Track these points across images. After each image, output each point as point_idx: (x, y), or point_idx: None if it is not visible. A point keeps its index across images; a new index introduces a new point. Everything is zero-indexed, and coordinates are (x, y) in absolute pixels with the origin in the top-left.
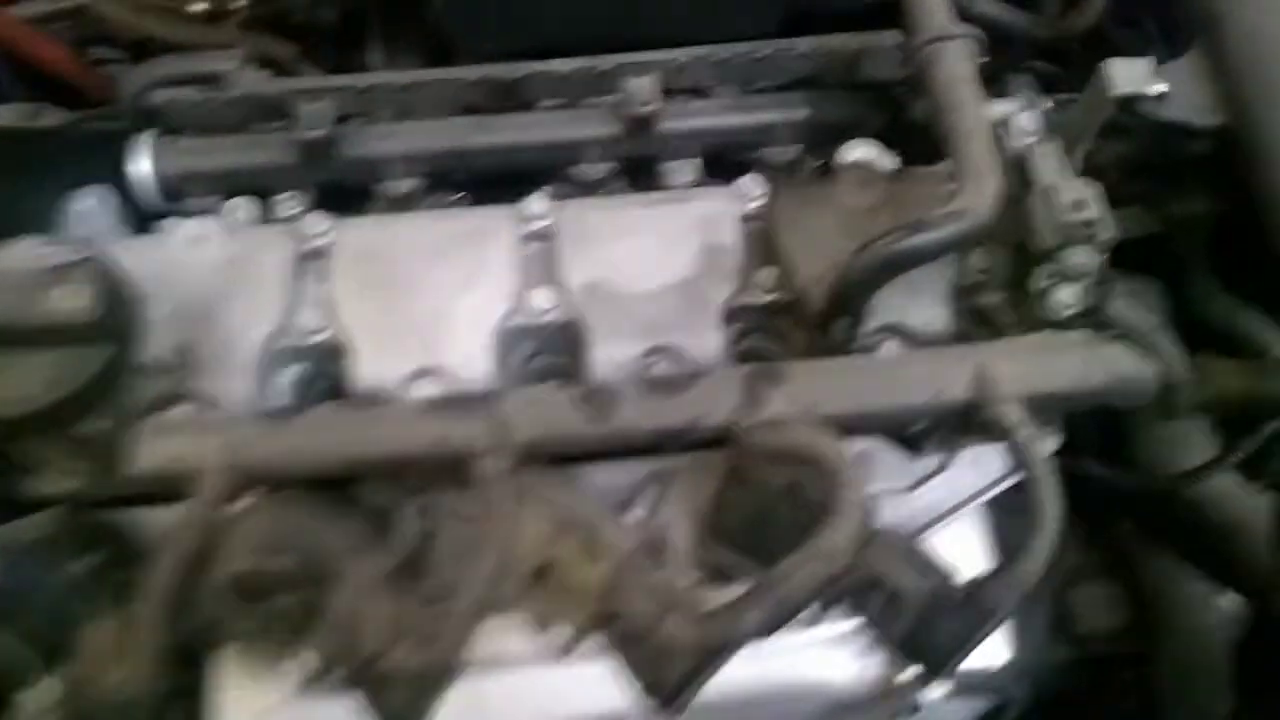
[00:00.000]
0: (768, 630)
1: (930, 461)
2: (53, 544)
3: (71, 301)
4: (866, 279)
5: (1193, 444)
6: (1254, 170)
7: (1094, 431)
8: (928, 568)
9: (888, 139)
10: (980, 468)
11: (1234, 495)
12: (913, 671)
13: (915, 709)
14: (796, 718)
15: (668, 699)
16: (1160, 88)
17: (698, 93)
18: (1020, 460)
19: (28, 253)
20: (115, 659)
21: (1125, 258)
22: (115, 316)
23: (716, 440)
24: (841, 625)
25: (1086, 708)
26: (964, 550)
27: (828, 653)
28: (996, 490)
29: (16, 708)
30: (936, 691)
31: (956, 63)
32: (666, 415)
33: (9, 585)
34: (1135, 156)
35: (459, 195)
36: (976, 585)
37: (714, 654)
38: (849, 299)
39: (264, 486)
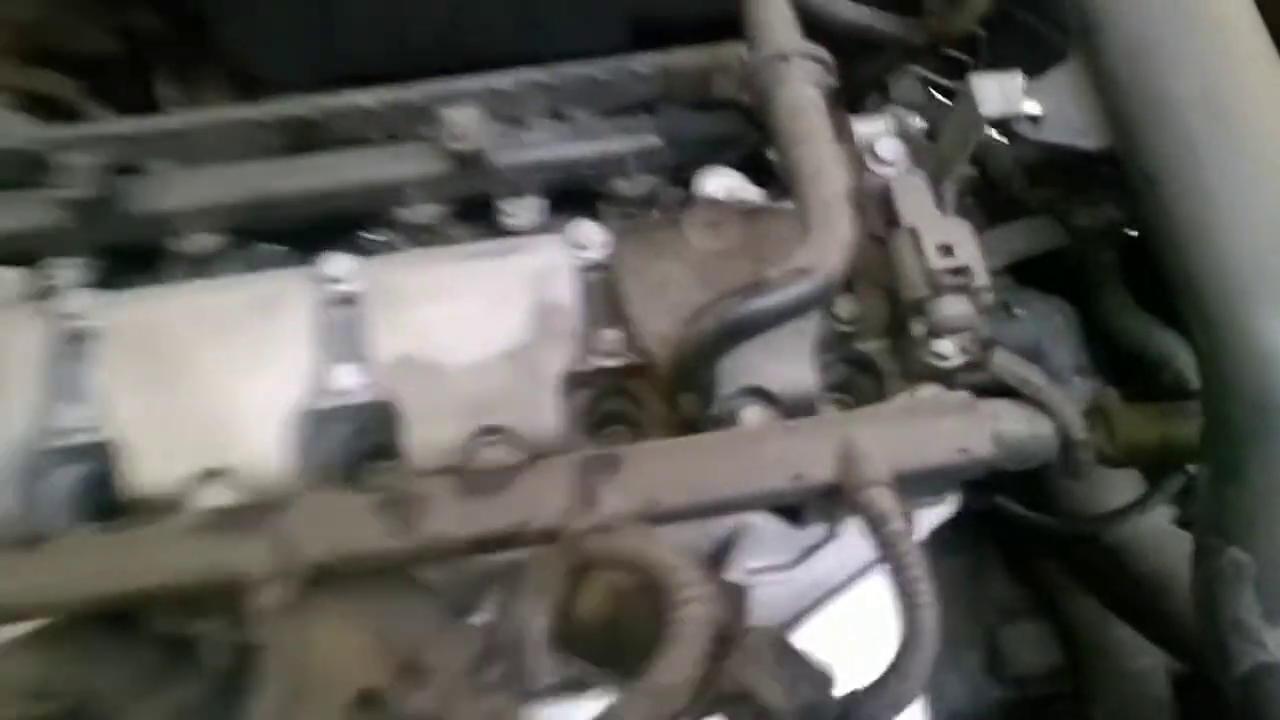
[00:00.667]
0: None
1: (816, 531)
2: None
3: None
4: (705, 350)
5: (1118, 482)
6: (1141, 197)
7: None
8: (800, 677)
9: (754, 162)
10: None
11: (1162, 540)
12: None
13: None
14: None
15: None
16: (1033, 108)
17: (556, 117)
18: (891, 559)
19: None
20: None
21: (1034, 272)
22: None
23: (546, 542)
24: None
25: None
26: (870, 616)
27: None
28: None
29: None
30: None
31: (801, 86)
32: (485, 520)
33: None
34: (1037, 161)
35: (274, 249)
36: (853, 701)
37: None
38: (691, 372)
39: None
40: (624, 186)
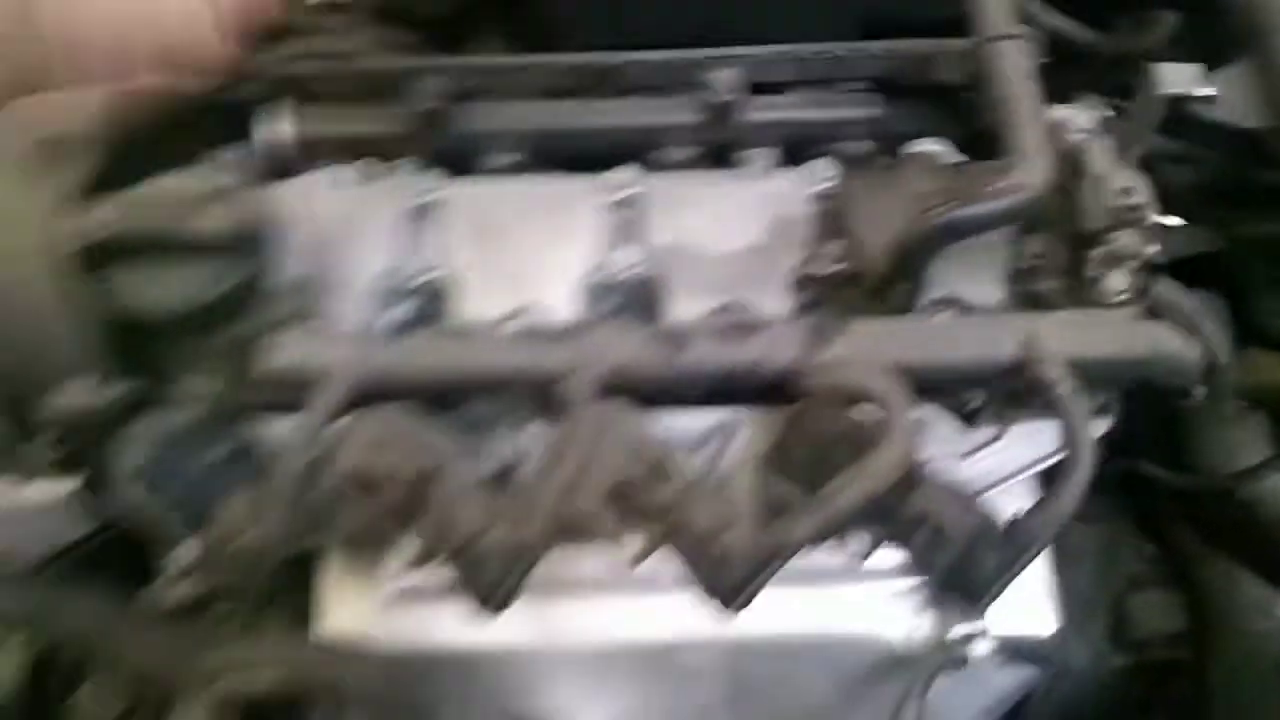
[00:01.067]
0: (817, 540)
1: (984, 434)
2: (195, 434)
3: (219, 222)
4: (925, 244)
5: (1251, 446)
6: None
7: (1151, 435)
8: (970, 506)
9: (955, 143)
10: (1032, 443)
11: None
12: (961, 630)
13: (961, 663)
14: (845, 665)
15: (727, 600)
16: (1209, 90)
17: (777, 89)
18: (1058, 409)
19: (184, 179)
20: (248, 525)
21: (1188, 274)
22: (255, 240)
23: (780, 384)
24: (893, 584)
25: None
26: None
27: (878, 606)
28: (1045, 465)
29: (165, 565)
30: (982, 648)
31: (1016, 60)
32: (734, 355)
33: (158, 466)
34: (1209, 184)
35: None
36: (1015, 521)
37: (769, 560)
38: (909, 263)
39: (377, 398)
40: (845, 148)
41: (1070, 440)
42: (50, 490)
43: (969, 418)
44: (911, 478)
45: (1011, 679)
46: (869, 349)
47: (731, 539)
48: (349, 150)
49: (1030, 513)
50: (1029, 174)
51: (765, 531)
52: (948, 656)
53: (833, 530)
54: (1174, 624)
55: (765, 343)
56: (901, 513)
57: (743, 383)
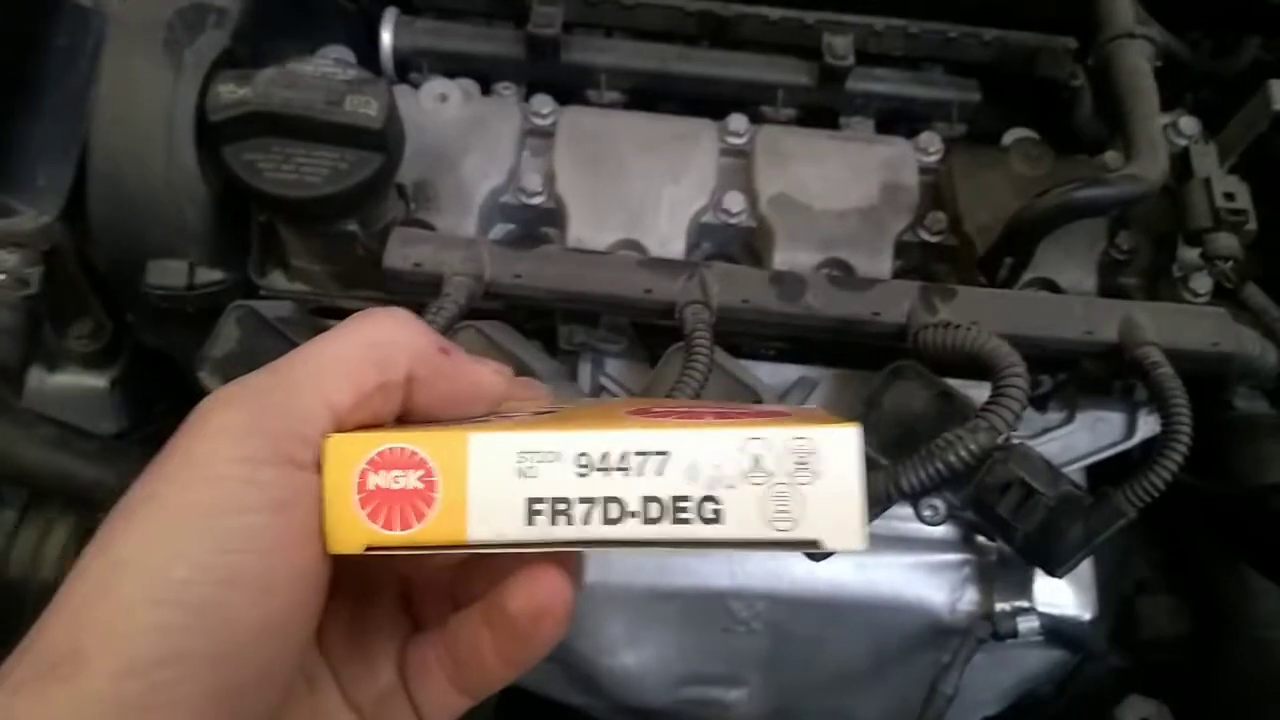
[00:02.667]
0: (922, 491)
1: (1053, 418)
2: (290, 322)
3: (361, 110)
4: (1042, 221)
5: None
6: None
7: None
8: (1060, 476)
9: (1044, 136)
10: (1096, 432)
11: None
12: (1006, 605)
13: (1007, 635)
14: (887, 630)
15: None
16: None
17: (884, 61)
18: (1159, 388)
19: (326, 63)
20: None
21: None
22: (393, 132)
23: (895, 339)
24: (942, 555)
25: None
26: None
27: (929, 576)
28: (1108, 454)
29: None
30: (1026, 624)
31: (1138, 58)
32: (850, 307)
33: (249, 347)
34: None
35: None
36: (1104, 493)
37: (872, 505)
38: (1021, 238)
39: (487, 311)
40: (942, 128)
41: (1169, 420)
42: (82, 382)
43: (1039, 401)
44: (1010, 443)
45: (1041, 660)
46: (979, 316)
47: None
48: (450, 68)
49: (1120, 488)
50: (1150, 165)
51: (870, 477)
52: (993, 629)
53: (934, 485)
54: (1178, 628)
55: (880, 297)
56: (996, 475)
57: (857, 334)
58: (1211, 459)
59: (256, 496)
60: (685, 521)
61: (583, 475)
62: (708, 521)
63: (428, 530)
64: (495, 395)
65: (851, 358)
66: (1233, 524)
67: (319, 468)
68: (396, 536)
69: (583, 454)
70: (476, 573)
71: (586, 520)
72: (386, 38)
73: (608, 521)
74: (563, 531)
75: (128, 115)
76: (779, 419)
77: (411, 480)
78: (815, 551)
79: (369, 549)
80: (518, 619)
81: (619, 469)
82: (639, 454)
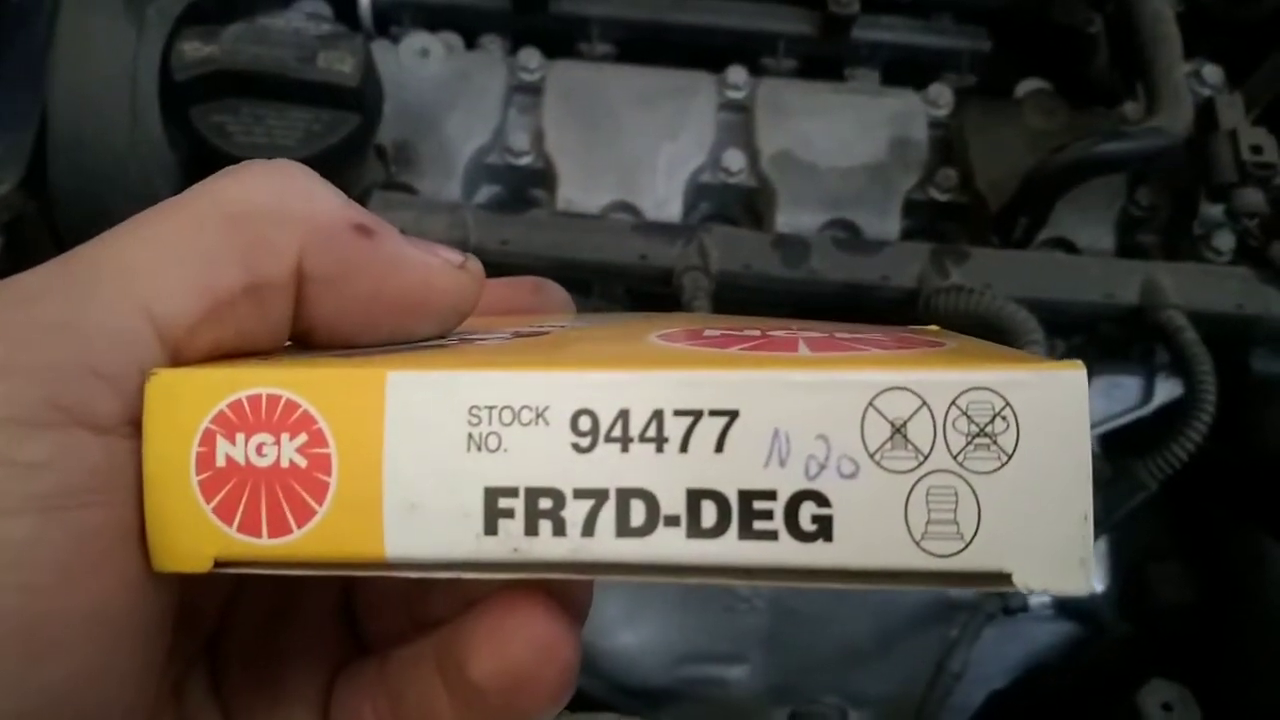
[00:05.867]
0: None
1: None
2: None
3: (337, 67)
4: (1060, 177)
5: None
6: None
7: None
8: None
9: (1061, 88)
10: (1111, 398)
11: None
12: None
13: (1017, 611)
14: (899, 604)
15: None
16: None
17: (891, 8)
18: (1183, 354)
19: (299, 18)
20: None
21: None
22: (370, 90)
23: (904, 304)
24: None
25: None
26: None
27: None
28: (1124, 420)
29: None
30: (1037, 598)
31: (1160, 3)
32: (857, 270)
33: None
34: None
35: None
36: (1126, 464)
37: None
38: (1037, 196)
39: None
40: (951, 79)
41: (1194, 388)
42: None
43: None
44: None
45: (1051, 634)
46: (994, 279)
47: None
48: (432, 20)
49: (1144, 457)
50: (1175, 117)
51: None
52: (1003, 603)
53: None
54: (1188, 596)
55: (889, 261)
56: None
57: (864, 299)
58: (1227, 422)
59: (13, 486)
60: (764, 536)
61: (583, 448)
62: (805, 537)
63: (316, 538)
64: (454, 302)
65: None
66: (1248, 489)
67: (136, 428)
68: (263, 548)
69: (583, 410)
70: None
71: (589, 529)
72: (364, 2)
73: (625, 532)
74: (546, 547)
75: (87, 78)
76: (928, 353)
77: (287, 452)
78: (1001, 591)
79: (219, 564)
80: (483, 688)
81: (647, 439)
82: (683, 413)
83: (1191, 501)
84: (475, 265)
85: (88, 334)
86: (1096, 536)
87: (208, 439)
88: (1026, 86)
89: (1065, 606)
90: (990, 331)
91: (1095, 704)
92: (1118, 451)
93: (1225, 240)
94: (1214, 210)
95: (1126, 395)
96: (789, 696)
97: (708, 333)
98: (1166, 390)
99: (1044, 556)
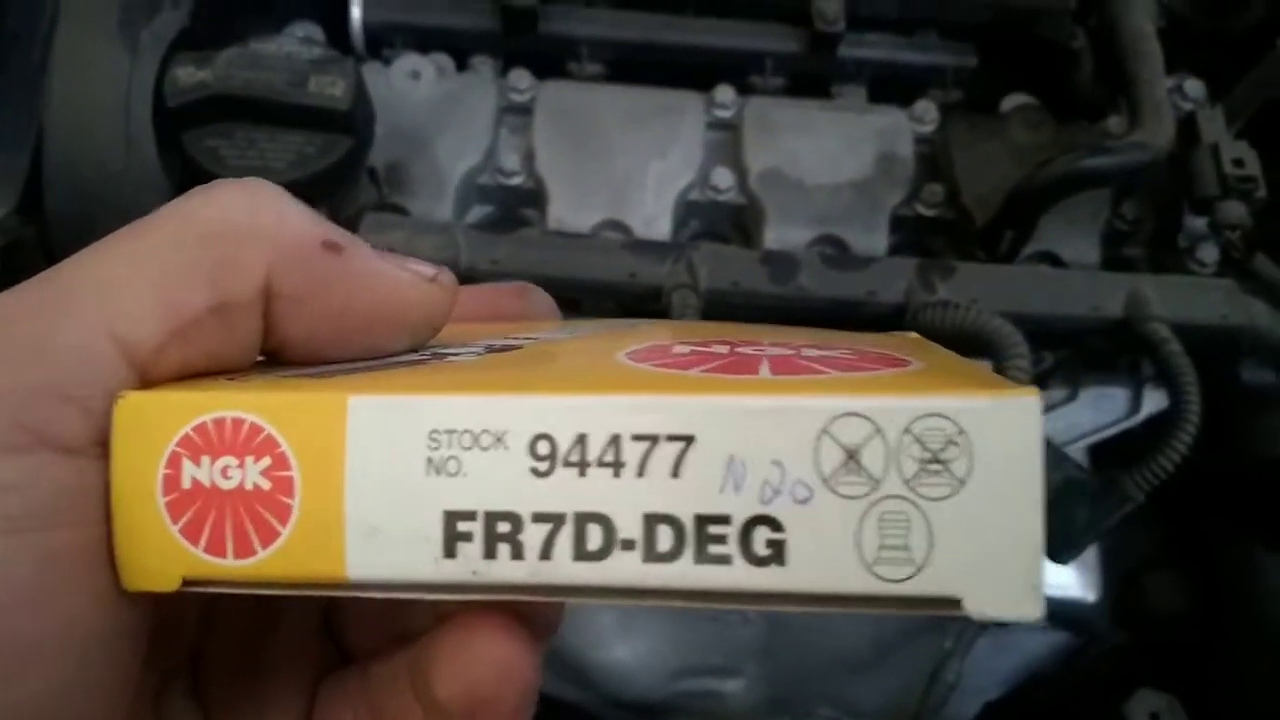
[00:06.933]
0: None
1: (1055, 395)
2: None
3: (329, 91)
4: (1045, 192)
5: None
6: None
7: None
8: (1063, 460)
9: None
10: (1099, 409)
11: None
12: None
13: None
14: (886, 618)
15: None
16: None
17: (876, 25)
18: (1168, 366)
19: (291, 41)
20: None
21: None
22: (361, 113)
23: (891, 320)
24: None
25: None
26: None
27: None
28: (1111, 432)
29: None
30: None
31: (1143, 19)
32: (844, 287)
33: None
34: None
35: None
36: (1112, 477)
37: None
38: (1023, 210)
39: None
40: (937, 94)
41: (1179, 400)
42: None
43: (1041, 378)
44: None
45: (1045, 643)
46: (980, 293)
47: None
48: (423, 42)
49: (1128, 470)
50: (1157, 132)
51: None
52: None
53: None
54: (1182, 604)
55: (876, 276)
56: None
57: (851, 315)
58: (1218, 432)
59: None
60: (719, 560)
61: (541, 472)
62: (759, 562)
63: (279, 559)
64: (426, 315)
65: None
66: (1241, 499)
67: (104, 449)
68: (229, 568)
69: (542, 435)
70: None
71: (546, 553)
72: (356, 11)
73: (582, 556)
74: (504, 570)
75: (82, 102)
76: (888, 374)
77: (252, 475)
78: (954, 616)
79: (187, 584)
80: (448, 708)
81: (605, 463)
82: (640, 437)
83: (1184, 511)
84: (447, 277)
85: (56, 356)
86: (1086, 547)
87: (174, 461)
88: (1012, 101)
89: (1058, 617)
90: (975, 346)
91: (1089, 714)
92: (1107, 462)
93: (1210, 253)
94: (1198, 223)
95: (1115, 406)
96: (784, 709)
97: (676, 349)
98: (1154, 401)
99: (995, 583)
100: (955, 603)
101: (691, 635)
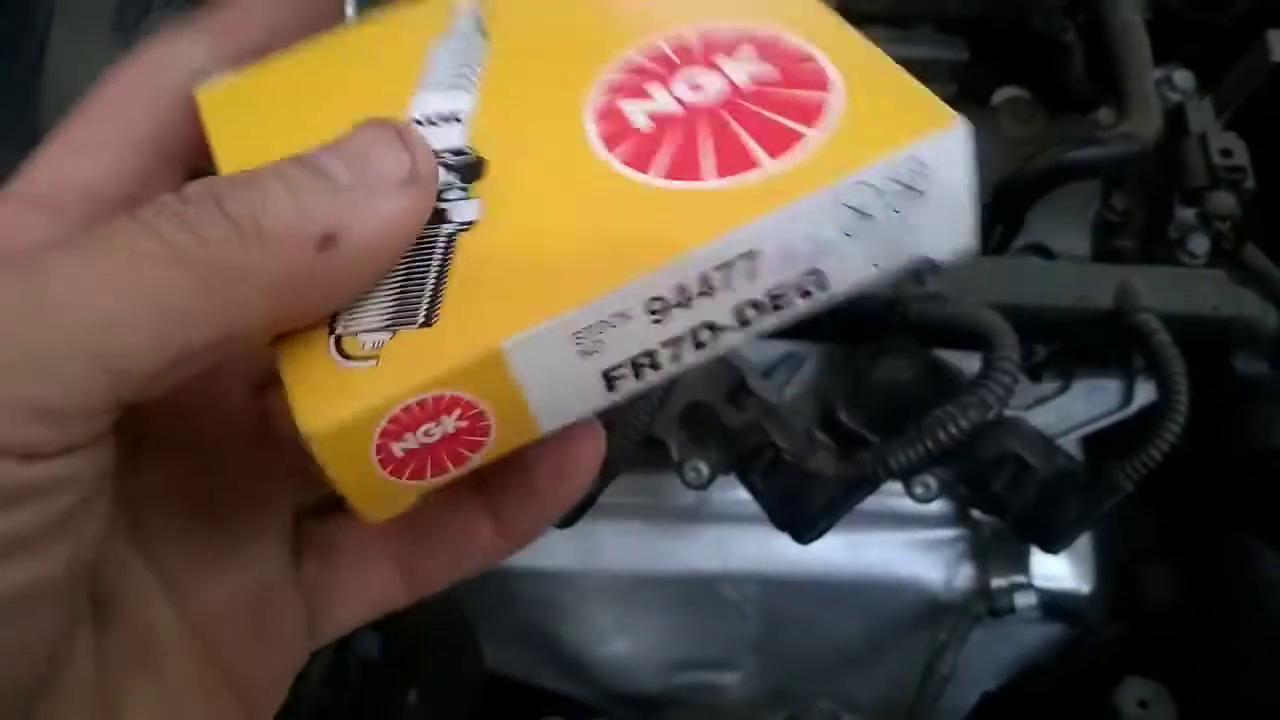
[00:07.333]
0: (912, 469)
1: (1048, 388)
2: None
3: None
4: (1033, 184)
5: None
6: None
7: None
8: (1054, 450)
9: (1038, 96)
10: (1091, 401)
11: None
12: (1004, 580)
13: (1004, 613)
14: (881, 609)
15: (801, 529)
16: None
17: (870, 20)
18: (1156, 357)
19: None
20: None
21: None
22: None
23: (882, 314)
24: (935, 532)
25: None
26: None
27: (923, 553)
28: (1105, 423)
29: None
30: (1024, 600)
31: (1130, 12)
32: None
33: None
34: None
35: None
36: (1101, 468)
37: (855, 486)
38: (1012, 202)
39: None
40: (931, 88)
41: (1167, 391)
42: None
43: (1033, 370)
44: (1002, 416)
45: (1040, 635)
46: (969, 285)
47: (817, 462)
48: None
49: (1118, 461)
50: (1144, 124)
51: (853, 461)
52: (989, 606)
53: (924, 463)
54: (1181, 597)
55: None
56: (987, 450)
57: (841, 310)
58: (1213, 424)
59: None
60: (785, 306)
61: (659, 321)
62: (809, 295)
63: (489, 455)
64: (410, 233)
65: (840, 331)
66: (1235, 490)
67: (70, 449)
68: (449, 476)
69: (655, 299)
70: None
71: (676, 358)
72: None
73: (699, 346)
74: (651, 377)
75: (77, 101)
76: (842, 118)
77: (449, 425)
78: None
79: (422, 497)
80: (540, 487)
81: (702, 294)
82: (722, 268)
83: (1179, 503)
84: (425, 168)
85: (37, 377)
86: (1077, 536)
87: (380, 451)
88: (1004, 94)
89: (1053, 609)
90: (964, 338)
91: (1083, 704)
92: (1100, 454)
93: (1200, 243)
94: (1188, 214)
95: (1107, 398)
96: (782, 701)
97: (628, 112)
98: (1147, 393)
99: (948, 238)
100: (927, 259)
101: (688, 630)
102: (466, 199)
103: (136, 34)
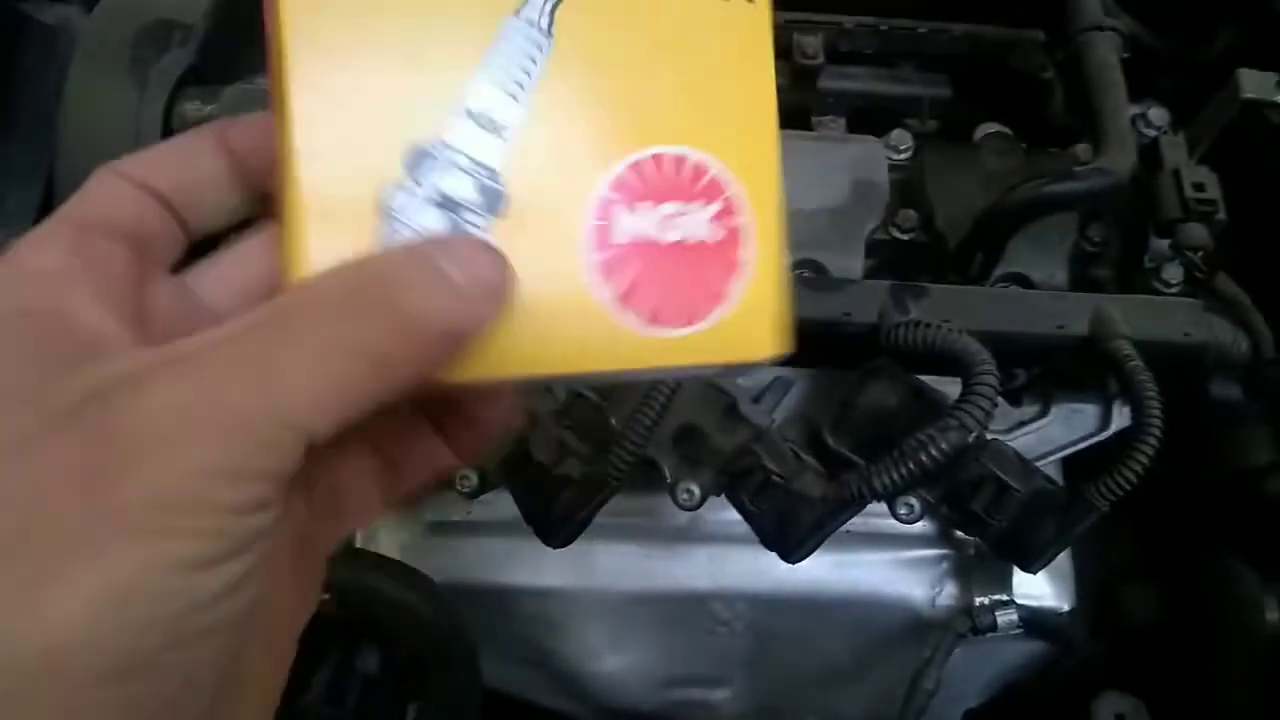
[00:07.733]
0: (895, 491)
1: (1028, 412)
2: None
3: None
4: (1011, 216)
5: (1265, 445)
6: None
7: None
8: (1032, 473)
9: (1019, 131)
10: (1070, 425)
11: None
12: (986, 598)
13: (986, 630)
14: (867, 626)
15: (789, 549)
16: None
17: (855, 59)
18: (1130, 381)
19: None
20: None
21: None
22: None
23: (866, 339)
24: (920, 551)
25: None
26: None
27: (907, 571)
28: (1083, 446)
29: None
30: (1005, 618)
31: (1107, 51)
32: (821, 308)
33: None
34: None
35: None
36: (1078, 489)
37: (842, 507)
38: (992, 234)
39: None
40: (914, 124)
41: (1140, 413)
42: None
43: (1013, 395)
44: (982, 440)
45: (1022, 652)
46: (951, 313)
47: (803, 484)
48: None
49: (1093, 482)
50: (1119, 159)
51: (839, 482)
52: (972, 623)
53: (907, 485)
54: (1160, 616)
55: (851, 298)
56: (968, 472)
57: (827, 335)
58: (1190, 447)
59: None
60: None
61: None
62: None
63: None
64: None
65: (826, 357)
66: (1213, 511)
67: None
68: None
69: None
70: None
71: None
72: None
73: None
74: None
75: (94, 136)
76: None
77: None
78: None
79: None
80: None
81: None
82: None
83: (1157, 523)
84: (486, 270)
85: (243, 435)
86: (1055, 556)
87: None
88: (985, 130)
89: (1035, 626)
90: (945, 363)
91: (1062, 718)
92: (1079, 476)
93: (1174, 273)
94: (1163, 245)
95: (1086, 422)
96: (771, 717)
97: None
98: (1124, 417)
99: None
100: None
101: (679, 647)
102: (480, 231)
103: (154, 72)
